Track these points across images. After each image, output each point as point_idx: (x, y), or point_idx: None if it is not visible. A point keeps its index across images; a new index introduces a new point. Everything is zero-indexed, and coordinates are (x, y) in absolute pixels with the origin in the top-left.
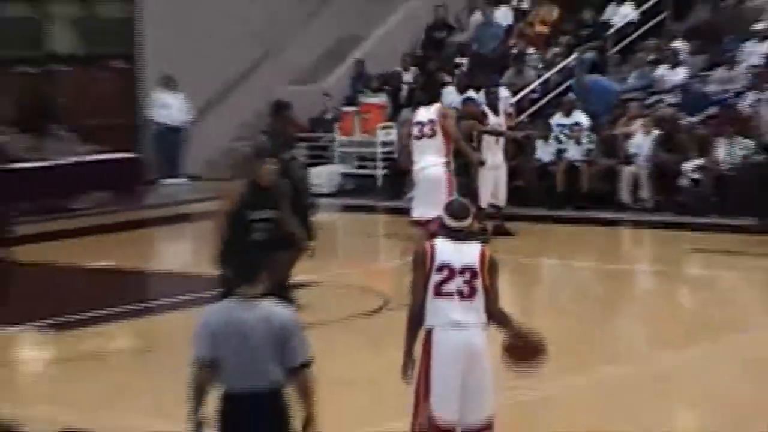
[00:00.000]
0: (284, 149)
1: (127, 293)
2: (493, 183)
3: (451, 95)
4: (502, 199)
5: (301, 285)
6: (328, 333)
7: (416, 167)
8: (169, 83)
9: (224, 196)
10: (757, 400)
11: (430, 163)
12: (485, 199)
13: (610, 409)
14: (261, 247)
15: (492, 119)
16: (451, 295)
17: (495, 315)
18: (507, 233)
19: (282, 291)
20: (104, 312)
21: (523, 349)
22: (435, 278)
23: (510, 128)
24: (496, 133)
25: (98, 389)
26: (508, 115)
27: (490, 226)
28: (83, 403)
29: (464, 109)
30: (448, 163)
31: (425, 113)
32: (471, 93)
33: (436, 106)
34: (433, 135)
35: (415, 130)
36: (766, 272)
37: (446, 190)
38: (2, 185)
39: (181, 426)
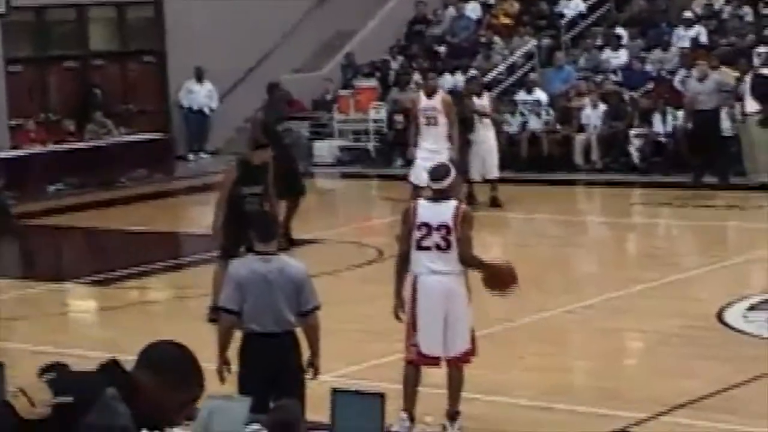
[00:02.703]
0: (278, 121)
1: (162, 251)
2: (480, 157)
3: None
4: (491, 172)
5: (309, 241)
6: (332, 282)
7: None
8: (198, 73)
9: (224, 173)
10: (689, 329)
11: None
12: (475, 173)
13: (570, 336)
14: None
15: (476, 101)
16: (430, 248)
17: (467, 260)
18: (498, 205)
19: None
20: (144, 268)
21: (498, 278)
22: (416, 234)
23: None
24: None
25: (140, 333)
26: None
27: (486, 197)
28: (128, 346)
29: (467, 88)
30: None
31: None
32: (447, 76)
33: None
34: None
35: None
36: (700, 221)
37: None
38: (54, 163)
39: (210, 364)
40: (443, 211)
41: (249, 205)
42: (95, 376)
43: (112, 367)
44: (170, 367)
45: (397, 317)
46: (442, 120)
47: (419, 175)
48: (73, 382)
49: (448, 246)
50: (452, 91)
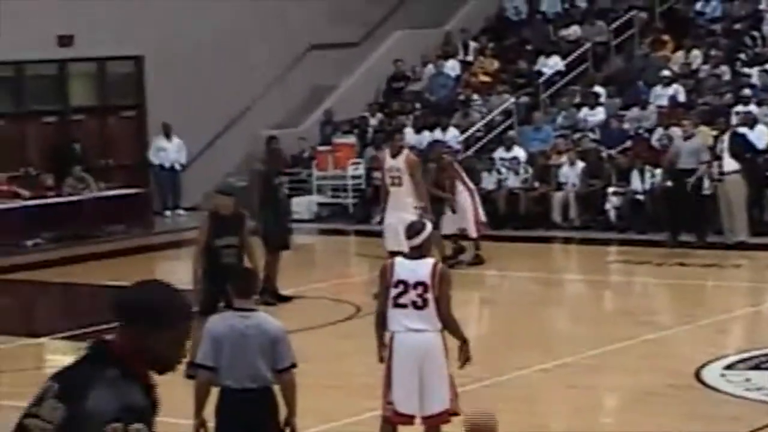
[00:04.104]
0: (276, 175)
1: None
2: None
3: (408, 135)
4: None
5: (287, 297)
6: (309, 338)
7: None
8: (166, 130)
9: (199, 227)
10: (667, 388)
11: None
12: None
13: (545, 395)
14: (230, 270)
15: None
16: (406, 306)
17: (446, 321)
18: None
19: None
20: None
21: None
22: (393, 292)
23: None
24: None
25: None
26: (456, 152)
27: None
28: None
29: (433, 152)
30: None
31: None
32: (425, 133)
33: (406, 154)
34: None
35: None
36: (678, 279)
37: None
38: (32, 218)
39: (187, 420)
40: (420, 269)
41: (226, 257)
42: (82, 364)
43: (94, 347)
44: (139, 311)
45: (381, 360)
46: (407, 180)
47: (389, 240)
48: (66, 376)
49: (425, 304)
50: (429, 150)
